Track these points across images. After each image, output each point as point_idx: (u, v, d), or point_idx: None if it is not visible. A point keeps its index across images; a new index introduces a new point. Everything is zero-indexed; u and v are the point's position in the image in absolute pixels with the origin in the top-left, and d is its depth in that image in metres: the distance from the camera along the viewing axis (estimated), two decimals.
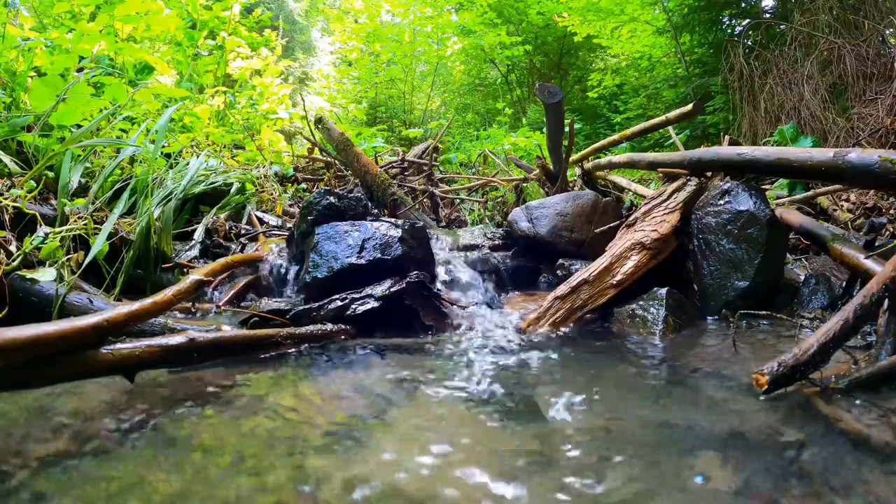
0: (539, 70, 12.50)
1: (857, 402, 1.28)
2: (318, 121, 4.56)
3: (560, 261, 2.75)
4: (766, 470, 1.00)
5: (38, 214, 2.09)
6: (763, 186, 3.75)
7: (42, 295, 1.79)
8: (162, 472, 0.99)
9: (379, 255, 2.18)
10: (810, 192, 3.87)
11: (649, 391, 1.42)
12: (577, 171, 4.19)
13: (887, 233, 3.23)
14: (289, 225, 3.29)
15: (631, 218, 2.40)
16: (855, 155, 1.69)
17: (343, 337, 1.88)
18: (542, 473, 0.98)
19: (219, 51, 5.83)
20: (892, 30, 6.20)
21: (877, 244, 2.21)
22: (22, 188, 2.14)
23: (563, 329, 2.00)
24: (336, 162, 4.61)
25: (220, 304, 2.34)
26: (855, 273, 2.02)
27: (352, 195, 2.58)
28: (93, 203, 2.31)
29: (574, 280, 2.10)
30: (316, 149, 4.90)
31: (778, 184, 4.10)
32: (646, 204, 2.40)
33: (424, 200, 4.04)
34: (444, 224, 4.07)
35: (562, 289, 2.09)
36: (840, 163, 1.73)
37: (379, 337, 1.90)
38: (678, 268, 2.36)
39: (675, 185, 2.41)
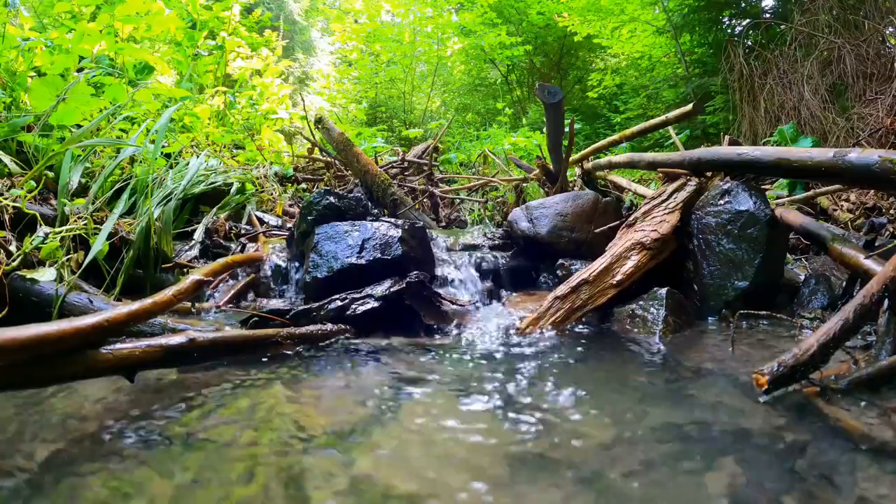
0: (539, 70, 12.49)
1: (857, 402, 1.28)
2: (318, 121, 4.56)
3: (560, 261, 2.75)
4: (766, 470, 1.00)
5: (38, 214, 2.09)
6: (763, 186, 3.74)
7: (42, 295, 1.79)
8: (161, 472, 0.99)
9: (379, 255, 2.18)
10: (810, 192, 3.87)
11: (649, 391, 1.42)
12: (577, 171, 4.19)
13: (887, 233, 3.23)
14: (289, 225, 3.30)
15: (631, 218, 2.40)
16: (855, 155, 1.69)
17: (343, 337, 1.88)
18: (544, 474, 0.98)
19: (219, 51, 5.84)
20: (892, 30, 6.19)
21: (877, 244, 2.21)
22: (22, 188, 2.14)
23: (563, 329, 2.00)
24: (336, 162, 4.62)
25: (221, 304, 2.34)
26: (855, 273, 2.02)
27: (352, 195, 2.58)
28: (93, 203, 2.31)
29: (574, 280, 2.10)
30: (316, 149, 4.91)
31: (778, 184, 4.10)
32: (646, 204, 2.40)
33: (424, 200, 4.05)
34: (444, 224, 4.07)
35: (562, 289, 2.09)
36: (840, 163, 1.73)
37: (379, 337, 1.90)
38: (678, 268, 2.36)
39: (675, 185, 2.41)
